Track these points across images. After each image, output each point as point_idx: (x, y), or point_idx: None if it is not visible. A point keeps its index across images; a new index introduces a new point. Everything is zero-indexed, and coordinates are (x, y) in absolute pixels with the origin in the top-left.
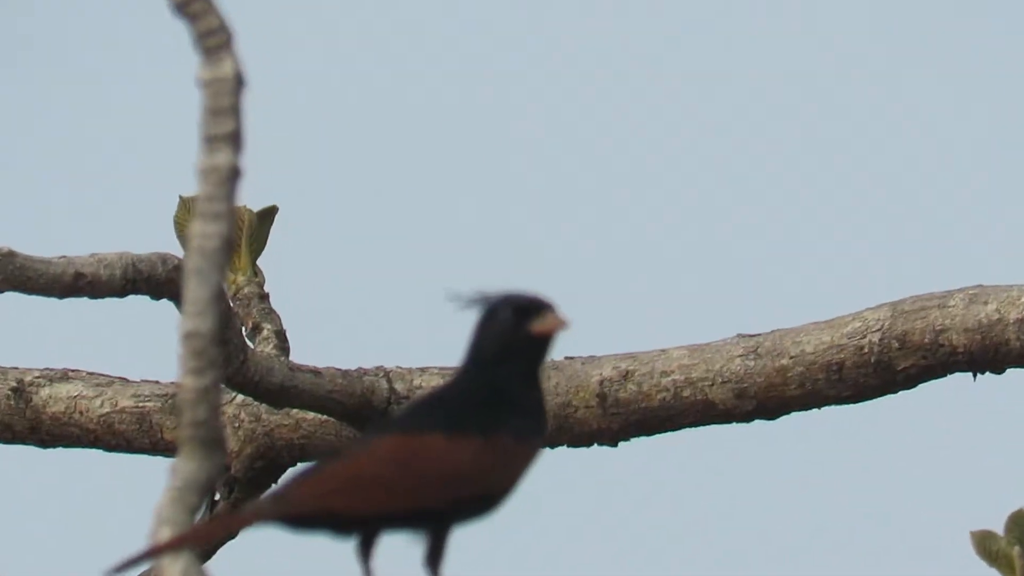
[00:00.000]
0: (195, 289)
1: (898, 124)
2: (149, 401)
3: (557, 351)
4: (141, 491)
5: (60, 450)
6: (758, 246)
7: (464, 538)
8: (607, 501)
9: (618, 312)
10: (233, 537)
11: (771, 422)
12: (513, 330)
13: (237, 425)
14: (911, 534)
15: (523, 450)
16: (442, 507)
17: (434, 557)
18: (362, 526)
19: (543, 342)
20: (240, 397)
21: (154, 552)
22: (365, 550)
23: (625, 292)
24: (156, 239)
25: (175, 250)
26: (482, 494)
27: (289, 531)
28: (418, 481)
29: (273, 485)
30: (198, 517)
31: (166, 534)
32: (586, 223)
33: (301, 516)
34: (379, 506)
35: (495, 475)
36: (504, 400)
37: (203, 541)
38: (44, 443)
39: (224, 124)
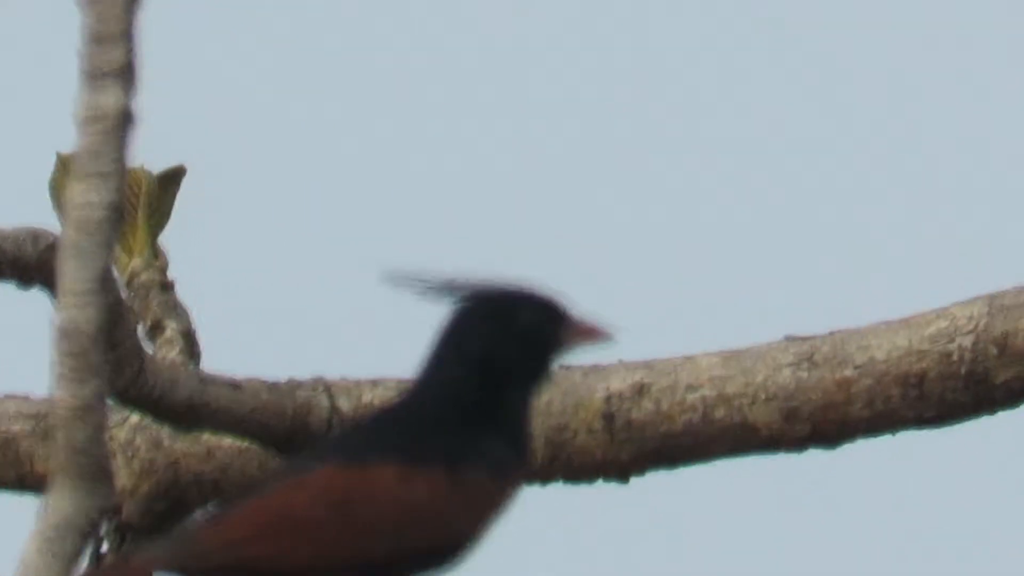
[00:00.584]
0: (74, 273)
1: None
2: (15, 423)
3: None
4: (3, 537)
5: None
6: (811, 225)
7: None
8: (613, 553)
9: (631, 307)
10: None
11: (830, 451)
12: (538, 337)
13: (131, 454)
14: None
15: (498, 489)
16: (390, 560)
17: None
18: None
19: (555, 357)
20: (135, 418)
21: None
22: None
23: (640, 282)
24: (25, 210)
25: (51, 224)
26: (442, 545)
27: None
28: (361, 527)
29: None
30: (77, 572)
31: None
32: (586, 196)
33: (210, 569)
34: (310, 558)
35: (460, 521)
36: (479, 420)
37: None
38: None
39: (112, 54)
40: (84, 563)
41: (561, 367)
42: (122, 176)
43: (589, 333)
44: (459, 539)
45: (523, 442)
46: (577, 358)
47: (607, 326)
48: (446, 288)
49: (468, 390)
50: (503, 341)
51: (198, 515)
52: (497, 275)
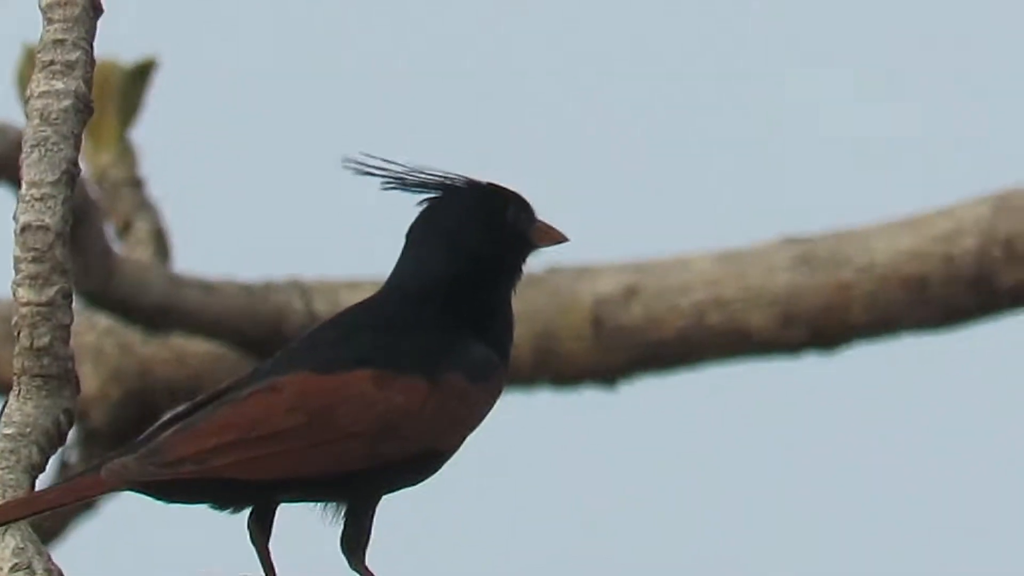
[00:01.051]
0: (36, 168)
1: None
2: None
3: (535, 259)
4: None
5: None
6: (811, 119)
7: (395, 509)
8: (600, 461)
9: (621, 205)
10: (86, 506)
11: (829, 355)
12: (519, 234)
13: (99, 358)
14: (1014, 499)
15: (478, 393)
16: (366, 469)
17: (354, 537)
18: (256, 494)
19: (528, 256)
20: (104, 321)
21: None
22: (260, 527)
23: (630, 177)
24: None
25: (17, 119)
26: (420, 452)
27: (159, 499)
28: (336, 434)
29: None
30: (40, 478)
31: None
32: (570, 82)
33: (176, 481)
34: (279, 469)
35: (439, 428)
36: (458, 322)
37: (37, 511)
38: None
39: None
40: (49, 470)
41: (547, 269)
42: (89, 65)
43: (555, 234)
44: (438, 447)
45: (504, 344)
46: (564, 258)
47: (563, 230)
48: (412, 178)
49: (447, 288)
50: (490, 235)
51: (164, 423)
52: (465, 170)
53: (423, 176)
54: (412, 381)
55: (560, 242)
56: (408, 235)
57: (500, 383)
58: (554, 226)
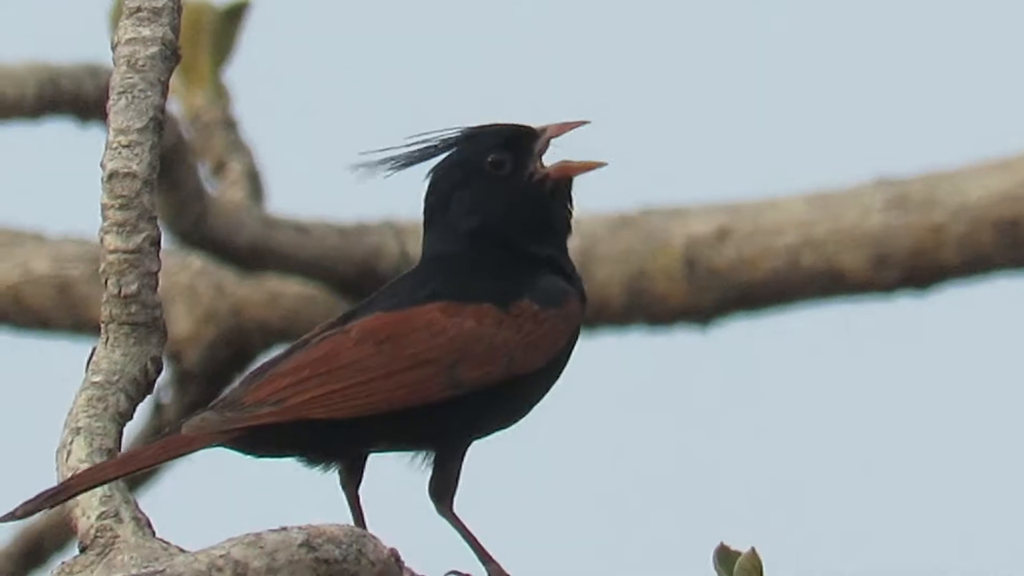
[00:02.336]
0: (123, 115)
1: None
2: (73, 266)
3: (630, 200)
4: (61, 386)
5: None
6: (903, 57)
7: (487, 456)
8: (693, 401)
9: (714, 146)
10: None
11: (921, 296)
12: (516, 175)
13: (193, 299)
14: None
15: (551, 317)
16: (445, 402)
17: (443, 483)
18: (345, 440)
19: (564, 190)
20: (197, 262)
21: (65, 491)
22: (350, 473)
23: (723, 118)
24: (84, 45)
25: (110, 60)
26: (499, 379)
27: (249, 454)
28: (406, 364)
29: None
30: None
31: (80, 447)
32: (663, 21)
33: (259, 430)
34: (357, 403)
35: (515, 353)
36: (524, 263)
37: (130, 471)
38: None
39: None
40: (137, 415)
41: (640, 210)
42: (176, 12)
43: (572, 167)
44: (517, 370)
45: (572, 276)
46: (656, 199)
47: (574, 120)
48: (409, 154)
49: (478, 251)
50: (480, 200)
51: (243, 379)
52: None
53: (416, 149)
54: (482, 307)
55: (590, 168)
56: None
57: (574, 309)
58: (561, 125)
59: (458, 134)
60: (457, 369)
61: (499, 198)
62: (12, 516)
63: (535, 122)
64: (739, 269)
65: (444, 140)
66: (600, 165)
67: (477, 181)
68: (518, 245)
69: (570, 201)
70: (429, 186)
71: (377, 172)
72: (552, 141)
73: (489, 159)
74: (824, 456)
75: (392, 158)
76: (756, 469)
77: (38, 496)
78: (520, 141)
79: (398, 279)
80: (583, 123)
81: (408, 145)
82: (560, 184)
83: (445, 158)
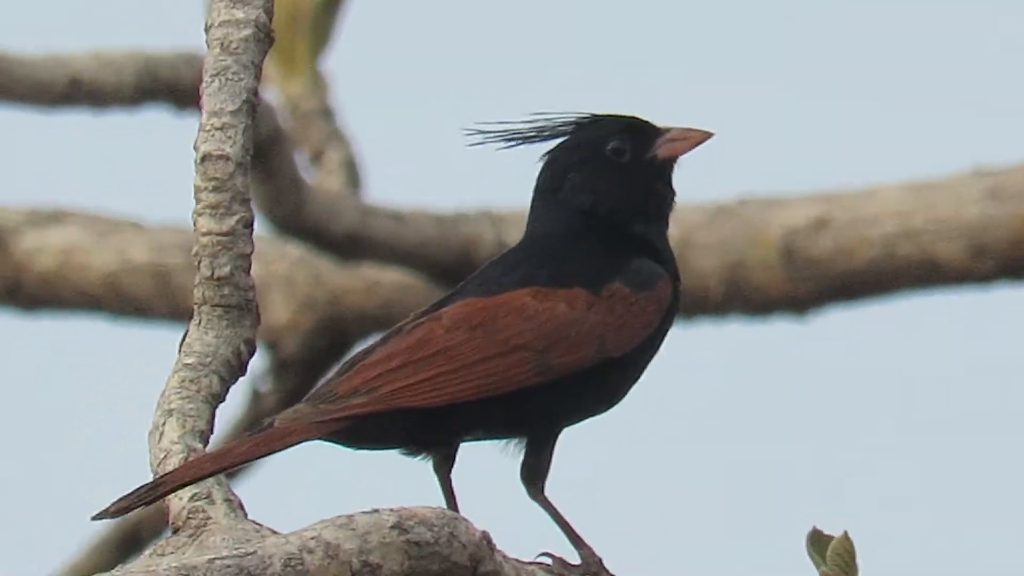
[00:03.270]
0: (216, 97)
1: None
2: (171, 254)
3: (728, 190)
4: (157, 373)
5: (48, 318)
6: (1002, 46)
7: (580, 441)
8: (791, 390)
9: (810, 136)
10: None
11: (1017, 287)
12: (633, 163)
13: (290, 288)
14: None
15: (645, 300)
16: (537, 387)
17: (534, 468)
18: (440, 429)
19: (669, 173)
20: (295, 250)
21: (161, 488)
22: (443, 457)
23: (821, 107)
24: (181, 33)
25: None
26: (592, 363)
27: (346, 446)
28: (498, 349)
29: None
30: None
31: (172, 428)
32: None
33: (354, 421)
34: (449, 390)
35: (607, 333)
36: (623, 246)
37: (228, 466)
38: (27, 308)
39: None
40: (235, 404)
41: (738, 200)
42: None
43: (681, 143)
44: (609, 353)
45: (668, 263)
46: (754, 189)
47: (699, 130)
48: (527, 132)
49: (582, 233)
50: (594, 183)
51: (336, 368)
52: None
53: (537, 127)
54: (573, 292)
55: (696, 145)
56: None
57: (667, 291)
58: (687, 130)
59: (580, 118)
60: (548, 354)
61: (613, 181)
62: (106, 514)
63: (655, 118)
64: (836, 259)
65: (565, 122)
66: (707, 137)
67: (595, 164)
68: (622, 227)
69: (671, 182)
70: (545, 166)
71: (492, 143)
72: (671, 146)
73: (610, 145)
74: (919, 444)
75: (510, 132)
76: (852, 456)
77: (132, 493)
78: (641, 133)
79: (491, 263)
80: (708, 136)
81: (528, 122)
82: (667, 164)
83: (564, 140)
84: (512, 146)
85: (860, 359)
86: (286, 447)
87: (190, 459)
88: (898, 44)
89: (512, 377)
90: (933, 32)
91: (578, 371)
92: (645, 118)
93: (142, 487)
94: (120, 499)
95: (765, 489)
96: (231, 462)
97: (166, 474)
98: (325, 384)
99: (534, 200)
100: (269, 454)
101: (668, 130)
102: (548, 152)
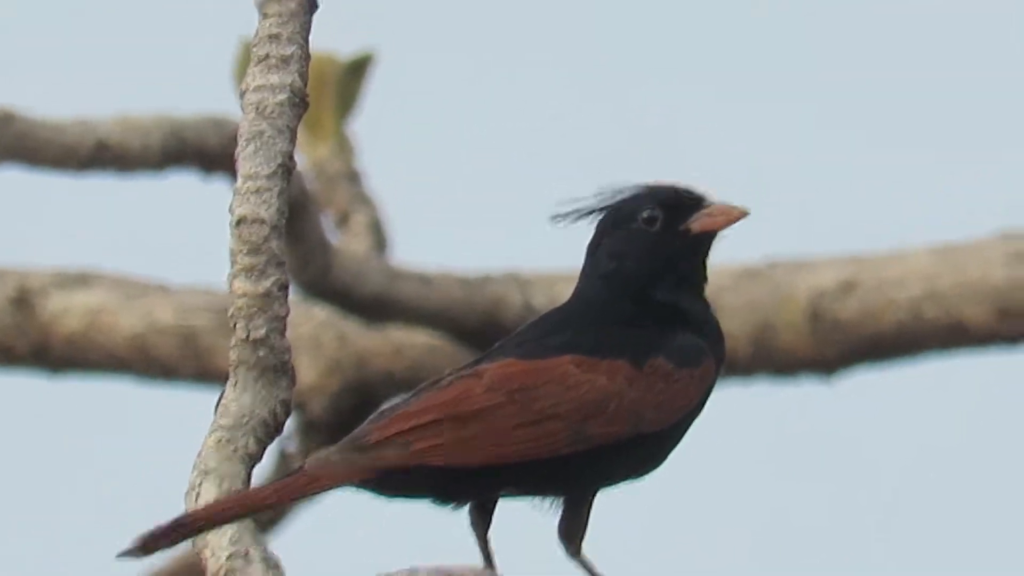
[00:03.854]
0: (251, 161)
1: None
2: (197, 316)
3: (756, 252)
4: (184, 435)
5: (75, 379)
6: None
7: (616, 503)
8: (817, 451)
9: (836, 200)
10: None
11: None
12: (664, 232)
13: (317, 350)
14: None
15: (686, 378)
16: (572, 455)
17: (572, 527)
18: (473, 486)
19: (706, 245)
20: (321, 313)
21: (184, 527)
22: (480, 516)
23: (846, 171)
24: (208, 98)
25: (234, 112)
26: (628, 439)
27: (378, 494)
28: (535, 417)
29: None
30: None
31: (209, 489)
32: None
33: (386, 471)
34: (482, 452)
35: (646, 411)
36: (661, 317)
37: (248, 511)
38: (54, 369)
39: None
40: (267, 461)
41: (766, 263)
42: (304, 59)
43: (720, 218)
44: (644, 429)
45: (712, 333)
46: (782, 252)
47: (737, 207)
48: (598, 204)
49: (621, 299)
50: (623, 248)
51: (371, 417)
52: (641, 180)
53: (601, 199)
54: (615, 364)
55: (731, 222)
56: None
57: (709, 369)
58: (725, 207)
59: (632, 190)
60: (585, 425)
61: (640, 247)
62: (132, 552)
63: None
64: (863, 321)
65: (617, 193)
66: (743, 215)
67: (626, 230)
68: (650, 294)
69: (704, 256)
70: (594, 229)
71: (567, 221)
72: (705, 221)
73: (644, 214)
74: (945, 507)
75: (585, 209)
76: (876, 518)
77: (154, 529)
78: (680, 205)
79: (532, 323)
80: (744, 214)
81: (598, 196)
82: (702, 237)
83: (609, 209)
84: (577, 221)
85: (886, 421)
86: (313, 494)
87: (214, 500)
88: (923, 106)
89: (546, 445)
90: (959, 94)
91: (614, 442)
92: (695, 190)
93: (165, 524)
94: (143, 535)
95: (790, 549)
96: (256, 504)
97: (189, 512)
98: (359, 430)
99: (584, 263)
100: (295, 500)
101: (709, 204)
102: (598, 219)
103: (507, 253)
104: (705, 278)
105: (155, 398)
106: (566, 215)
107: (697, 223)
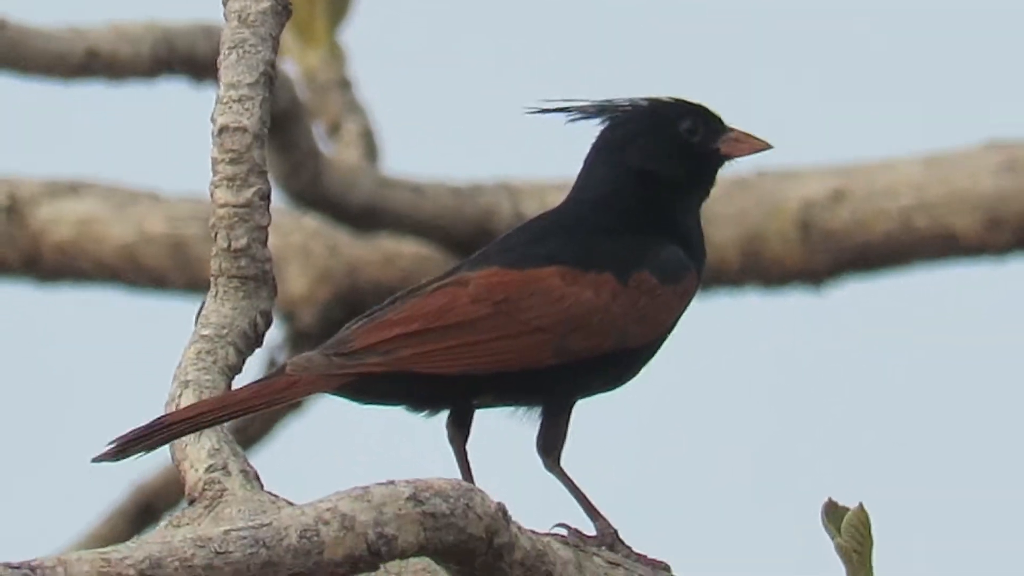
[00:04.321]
0: (233, 69)
1: None
2: (187, 225)
3: (745, 163)
4: (174, 345)
5: (65, 289)
6: (1015, 18)
7: (597, 411)
8: (808, 362)
9: (827, 108)
10: (290, 407)
11: None
12: (700, 146)
13: (307, 259)
14: None
15: (672, 293)
16: (554, 368)
17: (549, 438)
18: (447, 392)
19: (720, 167)
20: (311, 222)
21: (161, 429)
22: (458, 428)
23: (836, 80)
24: (198, 5)
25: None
26: (609, 353)
27: (354, 400)
28: (524, 327)
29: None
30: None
31: (188, 400)
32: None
33: (366, 378)
34: (466, 362)
35: (629, 327)
36: (654, 225)
37: (226, 413)
38: (44, 279)
39: None
40: (253, 371)
41: (755, 173)
42: None
43: (746, 145)
44: (627, 344)
45: (696, 248)
46: (771, 162)
47: (762, 138)
48: (593, 108)
49: (630, 199)
50: (660, 150)
51: (354, 320)
52: (653, 93)
53: (603, 104)
54: (601, 277)
55: (756, 151)
56: (592, 150)
57: (692, 285)
58: (750, 136)
59: (656, 99)
60: (568, 339)
61: (679, 155)
62: (105, 456)
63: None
64: (853, 231)
65: (635, 101)
66: (768, 148)
67: (667, 135)
68: (666, 202)
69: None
70: (613, 126)
71: (554, 116)
72: (734, 145)
73: (685, 124)
74: (934, 415)
75: (574, 109)
76: (867, 428)
77: (128, 433)
78: (712, 123)
79: (519, 228)
80: (768, 147)
81: (599, 100)
82: (726, 159)
83: (636, 111)
84: (573, 121)
85: (876, 330)
86: (292, 398)
87: (190, 404)
88: (914, 16)
89: (530, 356)
90: (951, 6)
91: (595, 355)
92: (714, 110)
93: (141, 426)
94: (119, 438)
95: (780, 461)
96: (234, 408)
97: (163, 416)
98: (341, 335)
99: (590, 157)
100: (274, 403)
101: (731, 129)
102: (616, 116)
103: (498, 162)
104: (709, 193)
105: (145, 307)
106: (553, 110)
107: (726, 145)
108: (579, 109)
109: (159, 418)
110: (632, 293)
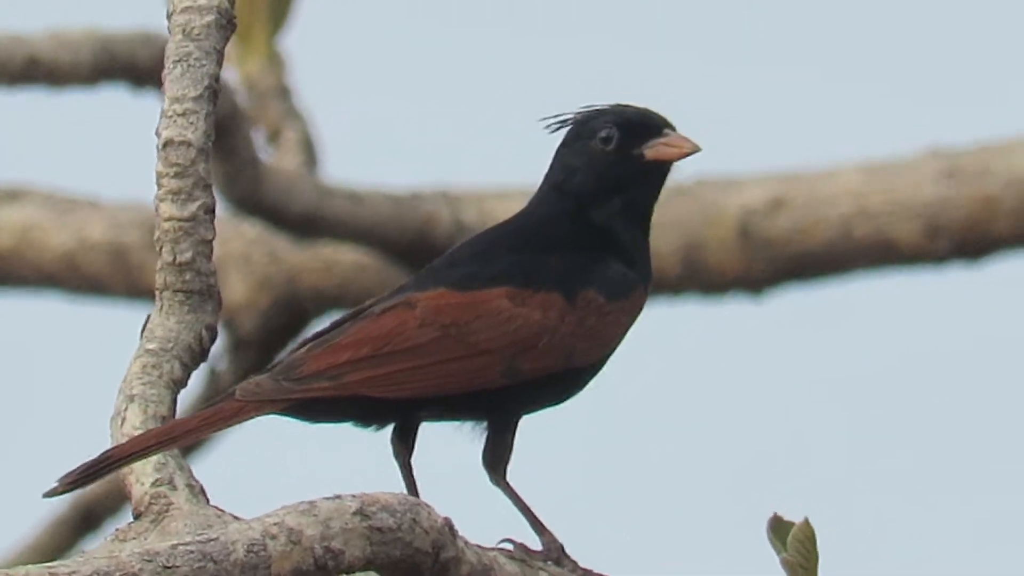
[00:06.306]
0: (178, 83)
1: None
2: (127, 232)
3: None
4: (114, 352)
5: (5, 296)
6: (961, 26)
7: (540, 426)
8: (745, 370)
9: (767, 116)
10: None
11: (973, 267)
12: (617, 154)
13: (247, 267)
14: None
15: (620, 310)
16: (502, 389)
17: (496, 453)
18: (395, 412)
19: (658, 173)
20: (252, 230)
21: (109, 464)
22: (403, 442)
23: (776, 89)
24: (137, 11)
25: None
26: (557, 371)
27: (302, 420)
28: (468, 352)
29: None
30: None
31: (135, 413)
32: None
33: (314, 400)
34: (414, 386)
35: (576, 345)
36: (594, 242)
37: (174, 443)
38: None
39: None
40: (192, 383)
41: (695, 180)
42: None
43: (673, 149)
44: (576, 363)
45: (642, 264)
46: (711, 170)
47: (692, 141)
48: (559, 124)
49: (565, 216)
50: (580, 161)
51: (302, 342)
52: (605, 100)
53: (567, 118)
54: (549, 297)
55: (683, 155)
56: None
57: (639, 301)
58: (680, 139)
59: (589, 109)
60: (517, 360)
61: (591, 164)
62: (55, 491)
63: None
64: (793, 239)
65: (586, 111)
66: (696, 150)
67: (581, 145)
68: (592, 216)
69: (656, 184)
70: (565, 143)
71: (551, 129)
72: (659, 149)
73: (602, 133)
74: (875, 426)
75: (561, 121)
76: (808, 439)
77: (78, 469)
78: (641, 129)
79: (466, 243)
80: (696, 150)
81: (570, 114)
82: (653, 165)
83: (570, 124)
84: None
85: (815, 339)
86: (239, 422)
87: (139, 435)
88: (853, 23)
89: (478, 378)
90: (889, 10)
91: (543, 375)
92: (661, 116)
93: (88, 462)
94: (67, 475)
95: (721, 472)
96: (182, 437)
97: (111, 448)
98: (288, 358)
99: (547, 183)
100: (221, 428)
101: (667, 133)
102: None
103: (437, 170)
104: (650, 208)
105: (86, 314)
106: (550, 123)
107: (651, 150)
108: (554, 124)
109: (106, 452)
110: (579, 312)
